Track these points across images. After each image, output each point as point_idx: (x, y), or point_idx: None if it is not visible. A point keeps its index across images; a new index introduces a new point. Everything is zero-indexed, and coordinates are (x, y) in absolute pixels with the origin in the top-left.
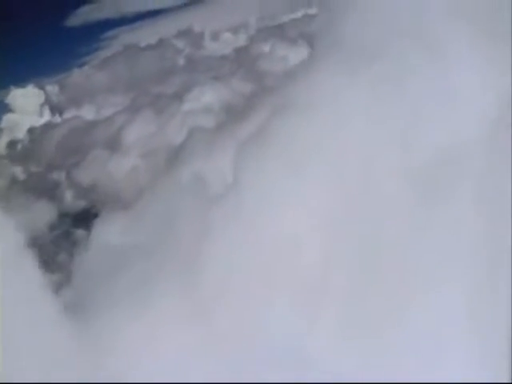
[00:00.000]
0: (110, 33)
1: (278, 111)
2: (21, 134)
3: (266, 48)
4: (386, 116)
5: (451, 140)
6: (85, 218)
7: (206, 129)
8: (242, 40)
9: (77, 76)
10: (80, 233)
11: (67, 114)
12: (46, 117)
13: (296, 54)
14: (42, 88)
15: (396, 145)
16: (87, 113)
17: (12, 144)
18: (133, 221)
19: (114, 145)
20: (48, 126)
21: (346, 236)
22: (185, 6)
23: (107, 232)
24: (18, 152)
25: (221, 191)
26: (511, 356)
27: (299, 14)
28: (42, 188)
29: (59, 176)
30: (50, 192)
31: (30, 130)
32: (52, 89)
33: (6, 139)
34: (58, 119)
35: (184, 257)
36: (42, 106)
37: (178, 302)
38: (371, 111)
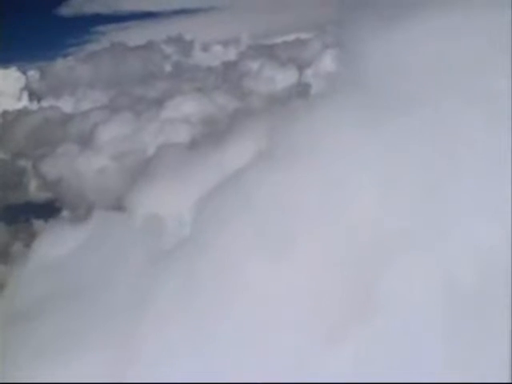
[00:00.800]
0: (100, 28)
1: (262, 155)
2: None
3: (255, 66)
4: (410, 191)
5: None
6: (46, 211)
7: (179, 148)
8: (231, 54)
9: (60, 66)
10: (39, 224)
11: (45, 103)
12: (24, 102)
13: (284, 77)
14: (24, 72)
15: (421, 237)
16: (65, 104)
17: None
18: (82, 239)
19: (86, 141)
20: (23, 112)
21: (334, 349)
22: (179, 12)
23: (54, 241)
24: None
25: (174, 246)
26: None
27: (291, 38)
28: (7, 174)
29: (26, 164)
30: (13, 179)
31: (4, 114)
32: (34, 74)
33: None
34: (34, 106)
35: (118, 312)
36: (21, 90)
37: (105, 358)
38: (389, 180)
